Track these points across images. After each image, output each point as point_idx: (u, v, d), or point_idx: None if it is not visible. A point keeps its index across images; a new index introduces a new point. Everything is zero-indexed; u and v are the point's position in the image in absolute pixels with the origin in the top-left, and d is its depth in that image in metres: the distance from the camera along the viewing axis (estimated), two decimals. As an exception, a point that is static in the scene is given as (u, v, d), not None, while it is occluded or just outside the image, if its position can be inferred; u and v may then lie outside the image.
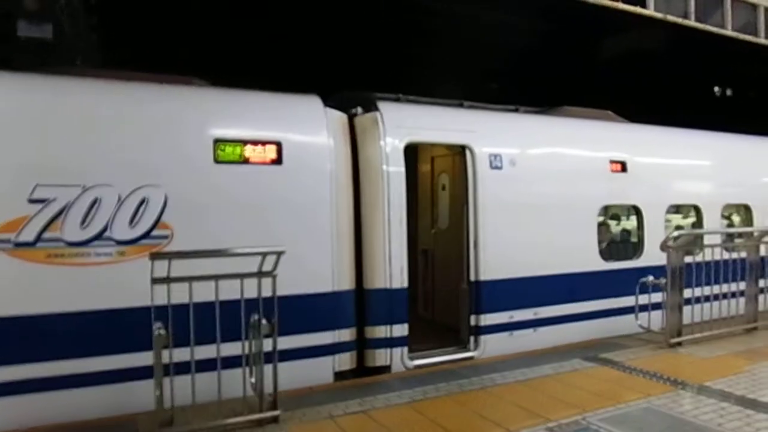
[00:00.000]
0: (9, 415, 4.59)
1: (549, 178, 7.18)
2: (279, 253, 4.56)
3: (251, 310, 4.66)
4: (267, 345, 4.69)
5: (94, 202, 5.00)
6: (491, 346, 6.72)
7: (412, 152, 7.96)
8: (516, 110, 7.85)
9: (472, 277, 6.73)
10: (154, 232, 5.19)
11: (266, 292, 4.61)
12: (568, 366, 6.08)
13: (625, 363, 6.14)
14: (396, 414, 4.81)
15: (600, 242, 7.64)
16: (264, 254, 4.56)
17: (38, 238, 4.83)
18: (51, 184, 4.88)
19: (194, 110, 5.64)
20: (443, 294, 7.82)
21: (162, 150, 5.33)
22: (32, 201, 4.82)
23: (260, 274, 4.63)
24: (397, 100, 6.95)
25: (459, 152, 6.92)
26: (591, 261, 7.45)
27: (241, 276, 4.56)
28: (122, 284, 4.95)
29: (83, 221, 4.97)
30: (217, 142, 5.51)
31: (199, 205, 5.38)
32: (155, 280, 4.27)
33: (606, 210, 8.09)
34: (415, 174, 8.50)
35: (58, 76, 5.37)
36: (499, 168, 6.84)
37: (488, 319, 6.74)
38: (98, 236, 5.01)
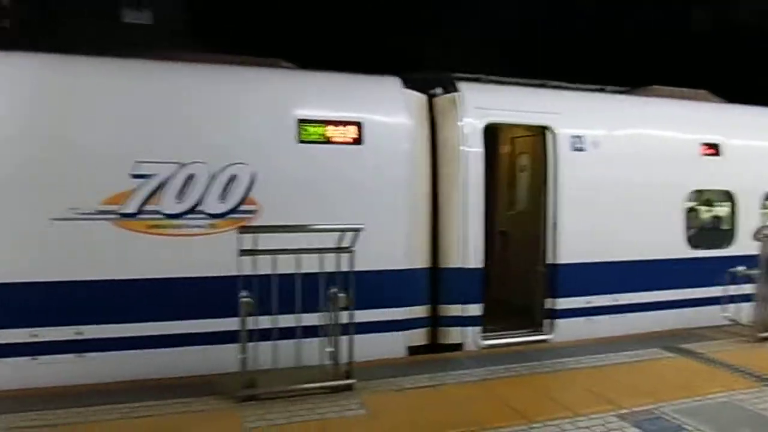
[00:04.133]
0: (111, 369, 5.10)
1: (634, 160, 6.93)
2: (357, 230, 4.76)
3: (329, 283, 4.91)
4: (344, 317, 4.94)
5: (189, 178, 5.39)
6: (567, 330, 6.65)
7: (491, 133, 7.94)
8: (602, 90, 7.59)
9: (549, 260, 6.67)
10: (242, 207, 5.53)
11: (344, 267, 4.84)
12: (647, 355, 5.95)
13: (708, 355, 5.93)
14: (465, 390, 4.93)
15: (688, 229, 7.32)
16: (343, 230, 4.77)
17: (140, 209, 5.28)
18: (151, 161, 5.30)
19: (279, 92, 5.90)
20: (519, 276, 7.77)
21: (250, 130, 5.64)
22: (134, 176, 5.27)
23: (339, 249, 4.86)
24: (477, 80, 6.92)
25: (539, 133, 6.82)
26: (677, 248, 7.15)
27: (321, 251, 4.80)
28: (212, 254, 5.32)
29: (179, 195, 5.38)
30: (301, 122, 5.75)
31: (284, 182, 5.66)
32: (243, 252, 4.59)
33: (696, 195, 7.70)
34: (494, 155, 8.45)
35: (159, 62, 5.77)
36: (581, 149, 6.69)
37: (564, 302, 6.67)
38: (192, 209, 5.42)
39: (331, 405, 4.57)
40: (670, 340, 6.46)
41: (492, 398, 4.74)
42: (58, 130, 5.18)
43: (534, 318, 6.87)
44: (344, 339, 4.94)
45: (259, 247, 4.64)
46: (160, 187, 5.32)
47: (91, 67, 5.52)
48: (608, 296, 6.82)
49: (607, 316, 6.84)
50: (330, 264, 4.86)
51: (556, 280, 6.63)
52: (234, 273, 4.61)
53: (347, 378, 4.91)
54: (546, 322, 6.71)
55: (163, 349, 5.33)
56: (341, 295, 4.88)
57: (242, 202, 5.53)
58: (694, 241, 7.37)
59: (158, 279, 5.35)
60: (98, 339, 5.18)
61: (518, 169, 8.10)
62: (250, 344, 4.68)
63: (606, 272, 6.78)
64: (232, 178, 5.50)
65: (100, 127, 5.29)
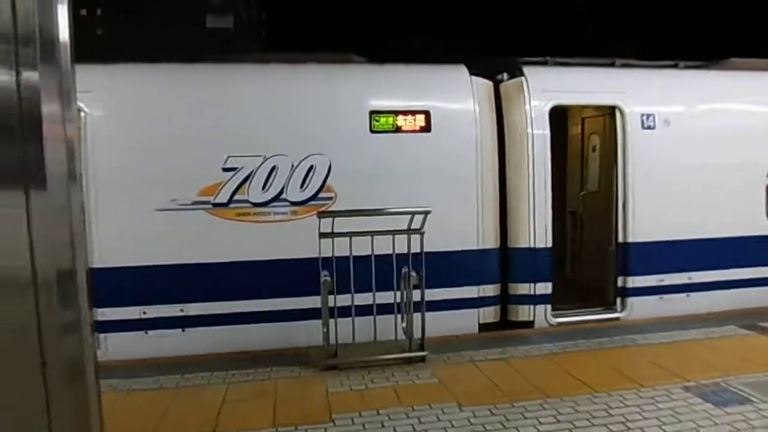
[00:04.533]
0: (212, 341, 5.74)
1: (708, 137, 6.81)
2: (426, 213, 5.10)
3: (402, 264, 5.29)
4: (416, 296, 5.32)
5: (273, 169, 5.92)
6: (639, 308, 6.70)
7: (561, 114, 8.02)
8: (675, 66, 7.46)
9: (620, 239, 6.73)
10: (321, 195, 6.00)
11: (415, 249, 5.20)
12: (720, 332, 5.93)
13: (787, 333, 5.84)
14: (533, 363, 5.18)
15: (769, 205, 7.10)
16: (413, 213, 5.13)
17: (230, 199, 5.86)
18: (239, 155, 5.86)
19: (352, 86, 6.30)
20: (591, 256, 7.84)
21: (326, 123, 6.08)
22: (225, 170, 5.85)
23: (410, 231, 5.22)
24: (545, 63, 7.02)
25: (608, 113, 6.84)
26: (756, 225, 6.97)
27: (393, 233, 5.18)
28: (295, 238, 5.82)
29: (264, 186, 5.91)
30: (373, 113, 6.13)
31: (358, 170, 6.07)
32: (322, 235, 5.05)
33: None
34: (564, 136, 8.50)
35: (244, 64, 6.33)
36: (652, 128, 6.66)
37: (636, 281, 6.72)
38: (276, 198, 5.94)
39: (404, 374, 4.97)
40: (749, 318, 6.36)
41: (558, 370, 4.97)
42: (160, 132, 5.83)
43: (606, 297, 6.96)
44: (417, 315, 5.31)
45: (336, 231, 5.09)
46: (248, 178, 5.89)
47: (185, 75, 6.13)
48: (683, 274, 6.78)
49: (681, 295, 6.81)
50: (404, 246, 5.25)
51: (627, 259, 6.67)
52: (314, 255, 5.08)
53: (420, 350, 5.29)
54: (617, 300, 6.78)
55: (253, 325, 5.92)
56: (413, 274, 5.27)
57: (320, 189, 6.00)
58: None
59: (248, 262, 5.92)
60: (198, 316, 5.83)
61: (589, 149, 8.12)
62: (332, 320, 5.16)
63: (679, 250, 6.75)
64: (311, 168, 5.98)
65: (196, 128, 5.91)
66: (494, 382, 4.75)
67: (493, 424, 3.98)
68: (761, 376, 4.69)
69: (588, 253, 7.94)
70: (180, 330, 5.83)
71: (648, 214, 6.65)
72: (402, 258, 5.32)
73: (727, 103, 7.02)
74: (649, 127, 6.65)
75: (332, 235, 5.07)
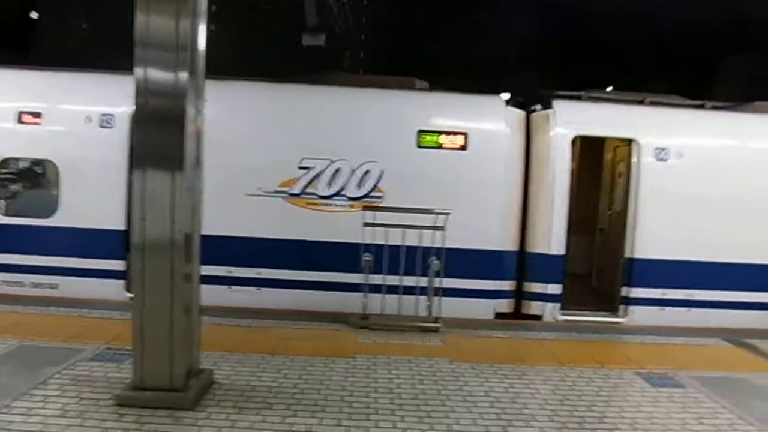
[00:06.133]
0: (279, 299, 7.41)
1: (719, 171, 7.68)
2: (446, 214, 6.46)
3: (429, 255, 6.66)
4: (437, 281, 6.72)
5: (336, 170, 7.51)
6: (640, 316, 7.69)
7: (598, 143, 9.15)
8: (701, 106, 8.33)
9: (627, 254, 7.76)
10: (372, 193, 7.52)
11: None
12: (703, 342, 6.83)
13: (766, 349, 6.59)
14: (524, 343, 6.42)
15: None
16: (434, 213, 6.50)
17: (302, 191, 7.52)
18: (312, 157, 7.51)
19: (405, 109, 7.78)
20: (612, 268, 8.85)
21: (381, 137, 7.60)
22: (300, 168, 7.51)
23: (434, 228, 6.61)
24: (578, 98, 8.16)
25: (628, 144, 7.90)
26: (756, 254, 7.74)
27: (420, 228, 6.58)
28: (350, 226, 7.34)
29: (329, 183, 7.52)
30: (420, 132, 7.58)
31: (404, 177, 7.54)
32: (365, 224, 6.56)
33: None
34: (599, 162, 9.55)
35: (322, 86, 8.00)
36: (665, 160, 7.64)
37: (639, 292, 7.71)
38: (337, 193, 7.54)
39: (418, 338, 6.37)
40: (737, 335, 7.15)
41: (540, 349, 6.20)
42: (253, 137, 7.60)
43: (613, 303, 8.00)
44: (437, 298, 6.68)
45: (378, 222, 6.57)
46: (317, 176, 7.51)
47: (272, 91, 7.91)
48: (682, 291, 7.70)
49: (681, 309, 7.73)
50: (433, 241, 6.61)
51: (631, 271, 7.69)
52: (360, 241, 6.57)
53: (435, 322, 6.66)
54: (621, 307, 7.81)
55: (312, 291, 7.53)
56: (436, 261, 6.65)
57: (373, 189, 7.52)
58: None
59: (312, 241, 7.53)
60: (270, 279, 7.53)
61: (617, 174, 9.12)
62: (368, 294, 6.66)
63: (680, 269, 7.67)
64: (367, 172, 7.52)
65: (281, 135, 7.63)
66: (484, 349, 6.06)
67: (468, 373, 5.33)
68: (708, 373, 5.67)
69: (609, 265, 8.94)
70: (255, 288, 7.55)
71: (653, 234, 7.63)
72: (431, 251, 6.69)
73: (738, 141, 7.85)
74: (662, 159, 7.64)
75: (373, 225, 6.56)
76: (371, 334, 6.43)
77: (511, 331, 6.89)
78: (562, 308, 7.74)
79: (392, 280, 6.67)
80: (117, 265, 7.51)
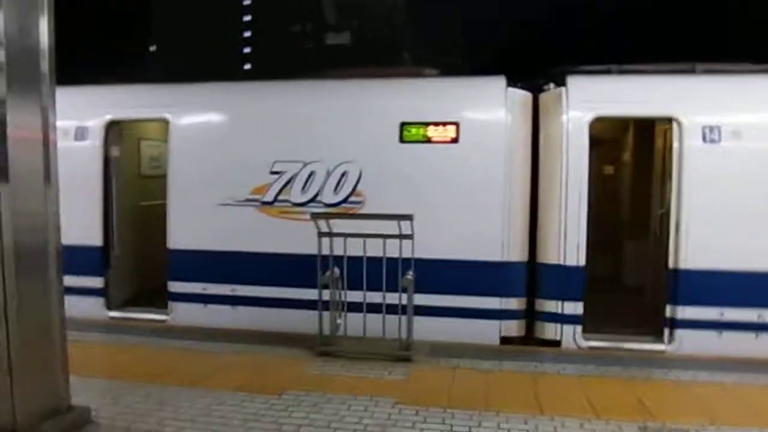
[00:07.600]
0: (248, 319, 6.64)
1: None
2: (409, 218, 5.32)
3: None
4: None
5: (310, 174, 6.62)
6: (690, 343, 6.02)
7: (647, 126, 7.56)
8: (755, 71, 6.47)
9: (671, 264, 6.12)
10: (351, 198, 6.55)
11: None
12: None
13: None
14: (509, 377, 5.11)
15: None
16: (394, 218, 5.38)
17: (275, 199, 6.71)
18: (283, 160, 6.68)
19: (386, 100, 6.73)
20: (657, 281, 7.15)
21: (358, 133, 6.62)
22: (272, 173, 6.71)
23: (400, 236, 5.51)
24: (607, 71, 6.65)
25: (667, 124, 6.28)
26: None
27: (384, 236, 5.51)
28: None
29: (303, 188, 6.65)
30: (404, 124, 6.49)
31: (386, 177, 6.49)
32: (320, 234, 5.61)
33: None
34: (651, 149, 7.83)
35: (289, 83, 7.19)
36: (716, 141, 5.96)
37: (689, 312, 6.05)
38: (313, 199, 6.64)
39: (383, 368, 5.29)
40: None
41: (525, 389, 4.84)
42: (223, 142, 6.92)
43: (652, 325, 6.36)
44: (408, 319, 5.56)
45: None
46: (289, 181, 6.68)
47: (241, 92, 7.20)
48: (751, 311, 5.93)
49: (748, 334, 5.96)
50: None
51: (677, 286, 6.05)
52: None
53: (406, 350, 5.54)
54: (665, 331, 6.17)
55: (292, 310, 6.66)
56: (408, 276, 5.52)
57: (351, 194, 6.55)
58: None
59: (285, 254, 6.67)
60: (244, 296, 6.78)
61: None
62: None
63: (746, 282, 5.91)
64: (344, 174, 6.56)
65: (250, 137, 6.88)
66: (448, 387, 4.86)
67: (404, 421, 4.19)
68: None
69: (656, 277, 7.25)
70: (230, 307, 6.85)
71: (706, 239, 5.96)
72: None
73: None
74: (712, 140, 5.96)
75: (329, 234, 5.60)
76: (327, 363, 5.46)
77: (508, 361, 5.58)
78: (585, 331, 6.26)
79: (356, 296, 5.68)
80: (96, 282, 7.19)
